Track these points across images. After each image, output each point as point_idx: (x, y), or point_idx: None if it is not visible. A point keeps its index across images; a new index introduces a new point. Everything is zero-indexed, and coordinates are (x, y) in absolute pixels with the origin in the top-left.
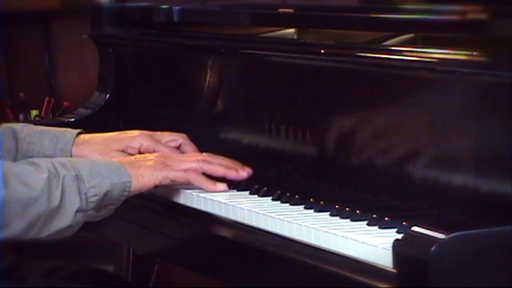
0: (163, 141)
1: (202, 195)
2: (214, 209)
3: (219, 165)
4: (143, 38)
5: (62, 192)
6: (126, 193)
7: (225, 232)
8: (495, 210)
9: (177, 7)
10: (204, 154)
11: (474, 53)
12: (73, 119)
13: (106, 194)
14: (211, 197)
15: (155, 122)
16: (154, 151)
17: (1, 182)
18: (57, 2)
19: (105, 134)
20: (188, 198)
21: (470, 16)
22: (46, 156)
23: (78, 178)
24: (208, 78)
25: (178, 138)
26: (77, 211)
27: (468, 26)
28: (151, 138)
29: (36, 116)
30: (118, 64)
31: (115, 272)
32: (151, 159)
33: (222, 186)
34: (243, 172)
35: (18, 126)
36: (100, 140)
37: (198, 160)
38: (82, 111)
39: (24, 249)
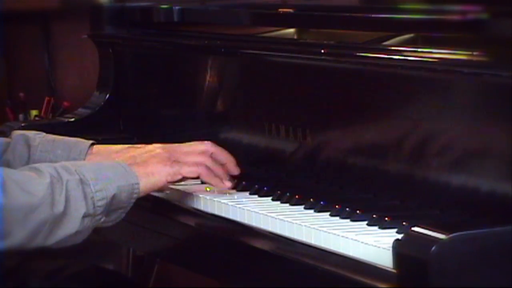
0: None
1: (201, 195)
2: (214, 209)
3: (218, 169)
4: (143, 38)
5: (67, 198)
6: (135, 195)
7: (225, 232)
8: (495, 210)
9: (177, 7)
10: (206, 142)
11: (474, 53)
12: (72, 119)
13: (113, 197)
14: (211, 198)
15: (155, 122)
16: None
17: (0, 190)
18: (56, 2)
19: (118, 145)
20: (188, 199)
21: (470, 16)
22: None
23: (83, 182)
24: (208, 78)
25: (201, 146)
26: (84, 216)
27: (468, 26)
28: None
29: (36, 116)
30: (118, 64)
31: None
32: (157, 155)
33: (229, 183)
34: (228, 183)
35: (30, 133)
36: (114, 151)
37: (203, 152)
38: (81, 111)
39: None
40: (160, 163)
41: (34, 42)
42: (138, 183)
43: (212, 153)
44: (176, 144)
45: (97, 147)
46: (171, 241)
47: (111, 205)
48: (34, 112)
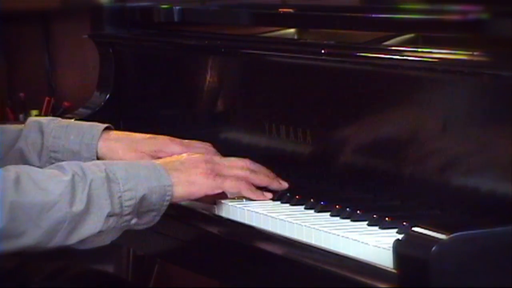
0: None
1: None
2: (214, 210)
3: (263, 174)
4: (143, 38)
5: (89, 195)
6: (167, 197)
7: (225, 233)
8: (496, 210)
9: (177, 7)
10: (245, 160)
11: (474, 53)
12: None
13: (143, 198)
14: None
15: (155, 122)
16: None
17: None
18: (57, 2)
19: (136, 133)
20: None
21: (470, 16)
22: (71, 151)
23: (110, 180)
24: (208, 78)
25: (207, 147)
26: (109, 215)
27: (468, 26)
28: (182, 144)
29: (36, 116)
30: (118, 64)
31: (115, 273)
32: (199, 165)
33: (269, 194)
34: (284, 183)
35: (45, 119)
36: (130, 139)
37: (244, 167)
38: (82, 111)
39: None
40: (202, 174)
41: (34, 42)
42: (170, 185)
43: (251, 170)
44: (217, 157)
45: (116, 133)
46: (171, 241)
47: (141, 206)
48: (34, 112)
